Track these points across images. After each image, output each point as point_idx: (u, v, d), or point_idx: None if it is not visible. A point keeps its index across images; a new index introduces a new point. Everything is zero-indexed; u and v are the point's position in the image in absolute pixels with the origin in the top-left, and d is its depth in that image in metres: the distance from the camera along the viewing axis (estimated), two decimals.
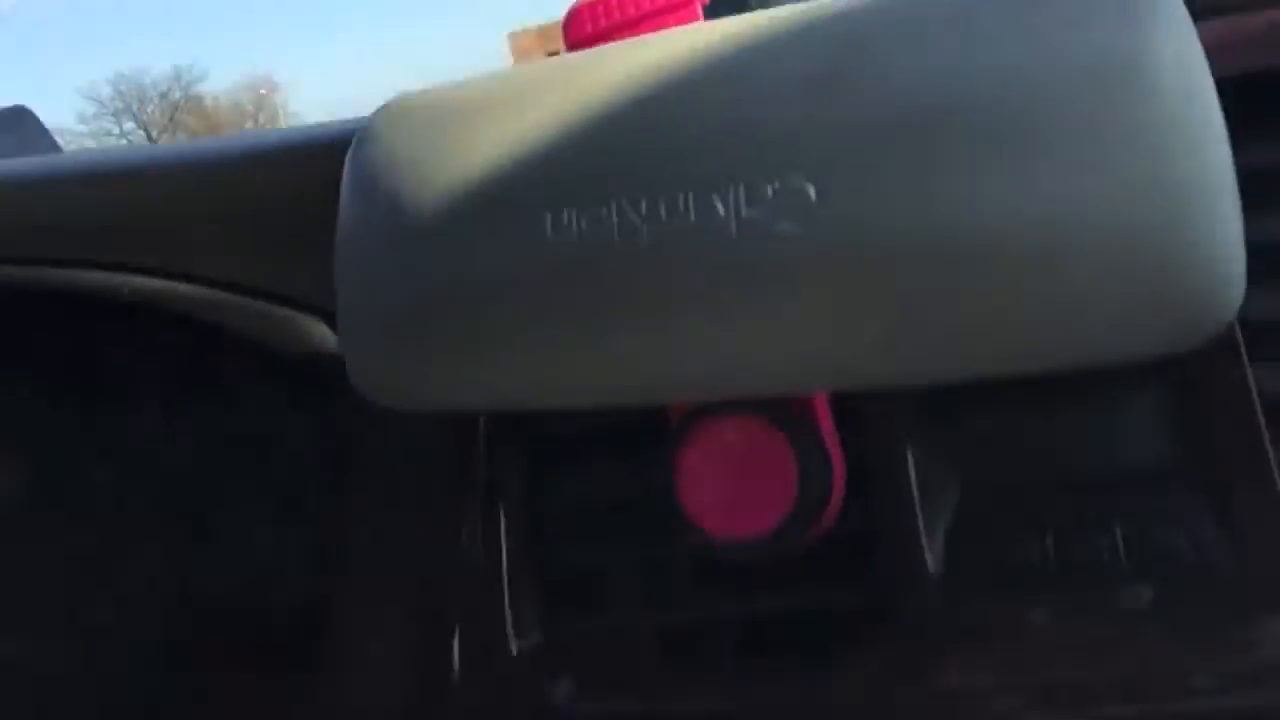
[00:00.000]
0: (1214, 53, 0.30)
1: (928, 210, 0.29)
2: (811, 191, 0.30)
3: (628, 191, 0.32)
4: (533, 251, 0.32)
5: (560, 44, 0.38)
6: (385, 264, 0.35)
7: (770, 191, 0.30)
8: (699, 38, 0.33)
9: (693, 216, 0.31)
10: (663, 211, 0.31)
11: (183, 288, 0.49)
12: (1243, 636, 0.35)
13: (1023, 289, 0.29)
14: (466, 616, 0.46)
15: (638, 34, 0.36)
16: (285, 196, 0.46)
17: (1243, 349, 0.36)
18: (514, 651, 0.44)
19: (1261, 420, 0.35)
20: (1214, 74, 0.29)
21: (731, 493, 0.36)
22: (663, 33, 0.35)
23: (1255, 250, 0.30)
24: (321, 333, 0.51)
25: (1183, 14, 0.29)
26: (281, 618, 0.59)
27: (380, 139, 0.36)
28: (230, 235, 0.48)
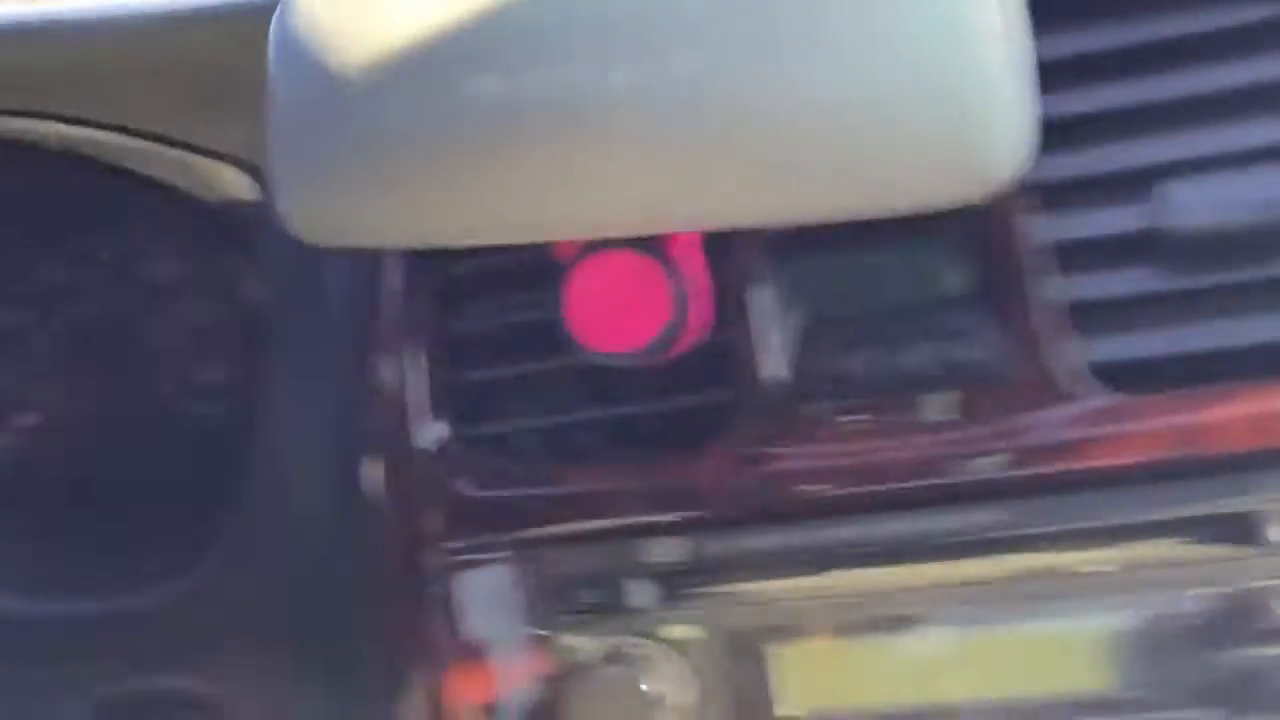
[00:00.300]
0: None
1: (772, 85, 0.36)
2: (684, 66, 0.37)
3: (530, 58, 0.38)
4: (445, 108, 0.38)
5: None
6: (314, 121, 0.41)
7: (652, 63, 0.37)
8: None
9: (587, 82, 0.37)
10: (560, 76, 0.37)
11: (111, 138, 0.53)
12: (1021, 425, 0.44)
13: (844, 150, 0.36)
14: (382, 426, 0.53)
15: None
16: (214, 54, 0.51)
17: (1025, 203, 0.44)
18: (426, 453, 0.52)
19: (1031, 258, 0.44)
20: None
21: (615, 315, 0.43)
22: None
23: (1045, 124, 0.37)
24: (242, 183, 0.56)
25: None
26: (205, 442, 0.64)
27: (305, 6, 0.41)
28: (161, 89, 0.52)
